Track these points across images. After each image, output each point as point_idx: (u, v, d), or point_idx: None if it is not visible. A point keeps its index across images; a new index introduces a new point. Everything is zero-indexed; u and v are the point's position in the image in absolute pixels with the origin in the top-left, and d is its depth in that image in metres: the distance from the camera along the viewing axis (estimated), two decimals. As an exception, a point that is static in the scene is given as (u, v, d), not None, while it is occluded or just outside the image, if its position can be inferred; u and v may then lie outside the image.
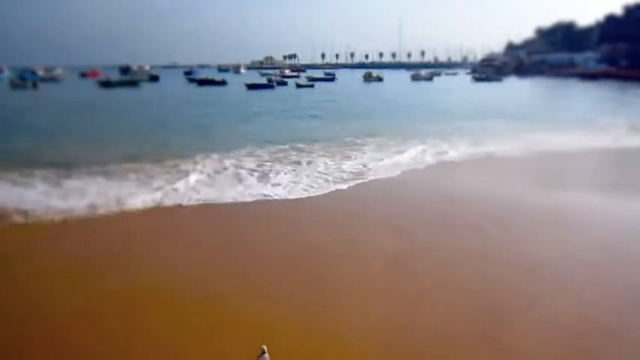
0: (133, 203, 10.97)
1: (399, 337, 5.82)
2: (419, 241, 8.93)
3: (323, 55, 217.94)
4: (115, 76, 78.34)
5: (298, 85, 64.65)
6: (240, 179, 13.29)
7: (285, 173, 13.90)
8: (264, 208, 11.01)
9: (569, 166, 16.22)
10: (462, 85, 75.06)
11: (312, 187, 12.54)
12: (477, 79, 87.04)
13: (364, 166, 14.92)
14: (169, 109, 36.39)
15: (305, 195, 11.87)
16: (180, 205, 10.99)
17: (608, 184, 13.07)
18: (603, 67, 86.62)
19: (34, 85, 63.37)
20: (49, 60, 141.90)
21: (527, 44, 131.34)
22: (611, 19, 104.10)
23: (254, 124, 26.12)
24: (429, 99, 49.06)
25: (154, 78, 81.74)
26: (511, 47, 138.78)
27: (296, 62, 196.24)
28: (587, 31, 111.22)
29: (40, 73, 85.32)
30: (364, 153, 17.10)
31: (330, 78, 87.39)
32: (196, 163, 15.03)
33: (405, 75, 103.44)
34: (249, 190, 12.13)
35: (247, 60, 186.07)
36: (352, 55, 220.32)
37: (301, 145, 18.39)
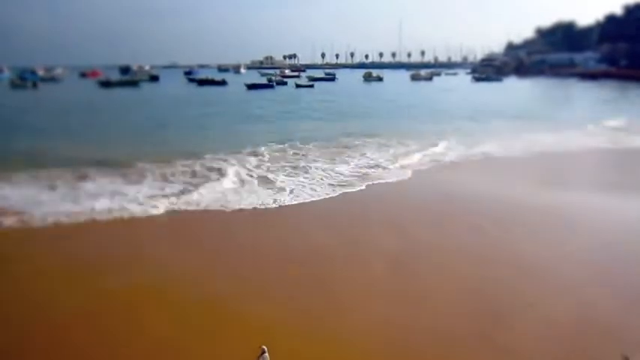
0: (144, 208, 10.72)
1: (400, 338, 5.82)
2: (420, 242, 8.93)
3: (323, 55, 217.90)
4: (115, 76, 78.29)
5: (298, 85, 64.62)
6: (244, 183, 12.95)
7: (287, 175, 13.78)
8: (268, 213, 10.69)
9: (569, 167, 16.23)
10: (461, 85, 75.07)
11: (315, 190, 12.24)
12: (477, 79, 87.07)
13: (368, 168, 14.81)
14: (170, 109, 36.39)
15: (308, 199, 11.59)
16: (186, 211, 10.74)
17: (609, 184, 13.08)
18: (603, 67, 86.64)
19: (34, 85, 63.35)
20: (49, 60, 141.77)
21: (527, 44, 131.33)
22: (611, 19, 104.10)
23: (254, 125, 26.10)
24: (428, 99, 49.07)
25: (154, 78, 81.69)
26: (511, 47, 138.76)
27: (296, 62, 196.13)
28: (587, 31, 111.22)
29: (40, 73, 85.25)
30: (364, 154, 16.95)
31: (331, 78, 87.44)
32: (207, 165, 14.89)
33: (404, 75, 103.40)
34: (251, 195, 11.78)
35: (247, 60, 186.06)
36: (352, 55, 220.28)
37: (301, 146, 18.36)
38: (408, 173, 14.17)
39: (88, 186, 12.36)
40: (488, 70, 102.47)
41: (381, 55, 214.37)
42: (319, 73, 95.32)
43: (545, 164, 16.53)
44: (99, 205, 10.75)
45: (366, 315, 6.31)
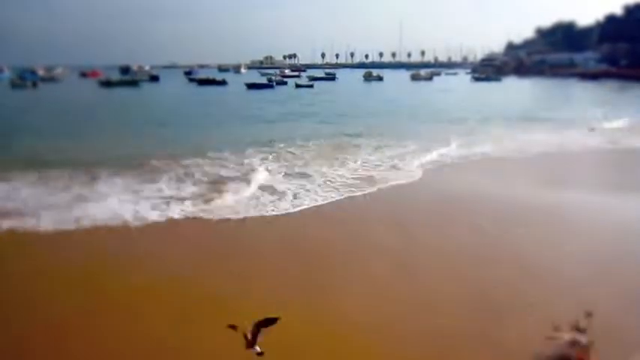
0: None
1: (400, 338, 5.82)
2: (420, 242, 8.93)
3: (323, 55, 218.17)
4: (115, 76, 78.25)
5: (298, 85, 64.69)
6: (247, 188, 12.39)
7: (288, 178, 13.44)
8: (271, 220, 10.24)
9: (569, 167, 16.24)
10: (461, 85, 75.15)
11: (318, 194, 11.88)
12: (477, 79, 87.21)
13: (369, 170, 14.64)
14: (171, 109, 36.47)
15: (312, 204, 11.19)
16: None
17: (609, 185, 13.08)
18: (603, 67, 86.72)
19: (34, 85, 63.36)
20: (49, 60, 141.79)
21: (527, 44, 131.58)
22: (611, 19, 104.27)
23: (254, 125, 26.14)
24: (427, 99, 49.20)
25: (154, 78, 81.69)
26: (511, 47, 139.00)
27: (296, 62, 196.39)
28: (587, 31, 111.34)
29: (40, 72, 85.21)
30: (365, 155, 16.79)
31: (331, 77, 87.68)
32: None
33: (404, 75, 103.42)
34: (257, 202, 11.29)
35: (247, 60, 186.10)
36: (352, 55, 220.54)
37: (302, 146, 18.35)
38: (411, 175, 14.02)
39: (101, 187, 12.17)
40: (488, 70, 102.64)
41: (381, 55, 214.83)
42: (319, 73, 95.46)
43: (545, 164, 16.54)
44: (110, 208, 10.40)
45: (366, 315, 6.31)
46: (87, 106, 39.11)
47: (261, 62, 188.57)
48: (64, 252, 8.44)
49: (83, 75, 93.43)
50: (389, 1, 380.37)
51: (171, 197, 11.34)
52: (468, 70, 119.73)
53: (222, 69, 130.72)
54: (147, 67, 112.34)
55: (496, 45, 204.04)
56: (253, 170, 14.31)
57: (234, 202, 11.14)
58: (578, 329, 4.91)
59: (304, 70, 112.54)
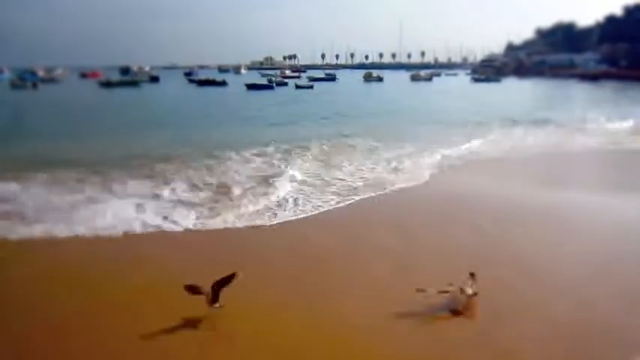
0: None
1: (401, 339, 5.83)
2: (420, 242, 8.94)
3: (323, 56, 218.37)
4: (115, 76, 78.38)
5: (298, 86, 64.76)
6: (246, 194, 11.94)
7: (290, 182, 13.07)
8: (270, 228, 9.87)
9: (569, 167, 16.25)
10: (460, 86, 75.23)
11: (321, 199, 11.57)
12: (476, 80, 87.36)
13: (370, 173, 14.41)
14: (171, 110, 36.47)
15: (315, 211, 10.83)
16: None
17: (609, 185, 13.08)
18: (603, 68, 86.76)
19: (34, 86, 63.42)
20: (49, 60, 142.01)
21: (527, 45, 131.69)
22: (611, 20, 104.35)
23: (254, 126, 26.17)
24: (426, 100, 49.26)
25: (154, 79, 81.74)
26: (511, 48, 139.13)
27: (296, 63, 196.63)
28: (587, 32, 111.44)
29: (40, 73, 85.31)
30: (365, 158, 16.53)
31: (331, 78, 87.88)
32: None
33: (404, 75, 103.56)
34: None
35: (247, 61, 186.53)
36: (352, 55, 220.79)
37: (303, 147, 18.31)
38: (412, 178, 13.82)
39: (105, 189, 11.97)
40: (488, 70, 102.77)
41: (381, 55, 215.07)
42: (319, 74, 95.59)
43: (545, 165, 16.56)
44: (114, 213, 10.12)
45: (366, 314, 6.32)
46: (88, 107, 39.15)
47: (261, 63, 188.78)
48: (66, 254, 8.43)
49: (83, 76, 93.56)
50: (389, 1, 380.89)
51: (177, 201, 11.18)
52: (468, 71, 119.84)
53: (222, 70, 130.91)
54: (147, 68, 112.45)
55: (496, 46, 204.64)
56: (256, 173, 14.14)
57: (237, 208, 10.85)
58: (464, 285, 6.36)
59: (304, 71, 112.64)
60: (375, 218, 10.46)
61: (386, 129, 23.68)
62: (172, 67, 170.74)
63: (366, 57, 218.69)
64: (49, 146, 18.22)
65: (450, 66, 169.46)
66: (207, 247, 8.87)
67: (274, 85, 67.02)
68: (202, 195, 11.79)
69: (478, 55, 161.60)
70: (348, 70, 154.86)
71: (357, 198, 11.77)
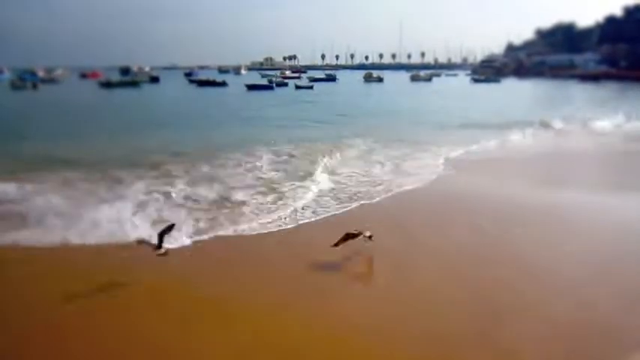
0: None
1: (401, 339, 5.83)
2: (419, 242, 8.94)
3: (323, 56, 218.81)
4: (115, 77, 78.43)
5: (298, 87, 64.82)
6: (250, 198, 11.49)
7: (293, 184, 12.72)
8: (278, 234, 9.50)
9: (569, 167, 16.25)
10: (459, 87, 75.30)
11: (327, 203, 11.25)
12: (476, 81, 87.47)
13: (370, 176, 14.07)
14: (172, 111, 36.43)
15: (322, 215, 10.50)
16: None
17: (609, 185, 13.08)
18: (603, 68, 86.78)
19: (34, 87, 63.41)
20: (49, 61, 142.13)
21: (527, 45, 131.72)
22: (610, 20, 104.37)
23: (254, 126, 26.18)
24: (426, 100, 49.34)
25: (155, 79, 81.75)
26: (511, 48, 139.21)
27: (296, 63, 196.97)
28: (587, 32, 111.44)
29: (41, 74, 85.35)
30: (365, 161, 16.24)
31: (331, 78, 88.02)
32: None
33: (404, 76, 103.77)
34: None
35: (247, 61, 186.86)
36: (352, 56, 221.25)
37: (305, 148, 18.30)
38: (412, 178, 13.69)
39: (116, 189, 11.81)
40: (487, 71, 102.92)
41: (381, 56, 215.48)
42: (319, 74, 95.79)
43: (545, 165, 16.57)
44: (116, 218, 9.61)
45: (366, 315, 6.32)
46: (88, 108, 39.15)
47: (261, 63, 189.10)
48: (66, 255, 8.42)
49: (83, 76, 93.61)
50: (389, 1, 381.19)
51: (178, 204, 10.94)
52: (468, 72, 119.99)
53: (222, 70, 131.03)
54: (147, 68, 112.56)
55: (496, 46, 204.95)
56: (257, 175, 13.96)
57: (240, 211, 10.57)
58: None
59: (304, 72, 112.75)
60: (376, 218, 10.44)
61: (386, 129, 23.69)
62: (172, 68, 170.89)
63: (366, 57, 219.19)
64: (49, 146, 18.19)
65: (450, 66, 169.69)
66: (207, 248, 8.86)
67: (274, 85, 67.10)
68: (203, 198, 11.45)
69: (478, 55, 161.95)
70: (348, 71, 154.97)
71: (357, 203, 11.40)
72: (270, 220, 10.09)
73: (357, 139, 20.30)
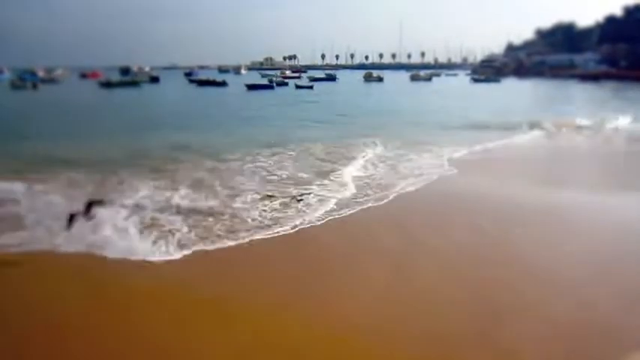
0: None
1: (401, 338, 5.83)
2: (419, 242, 8.94)
3: (323, 56, 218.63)
4: (115, 77, 78.32)
5: (298, 86, 64.81)
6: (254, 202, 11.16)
7: (296, 187, 12.38)
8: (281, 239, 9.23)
9: (569, 167, 16.26)
10: (459, 86, 75.25)
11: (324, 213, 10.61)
12: (475, 80, 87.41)
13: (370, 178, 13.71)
14: (173, 111, 36.30)
15: (328, 218, 10.19)
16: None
17: (610, 185, 13.09)
18: (603, 68, 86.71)
19: (34, 87, 63.31)
20: (49, 60, 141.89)
21: (527, 45, 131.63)
22: (610, 20, 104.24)
23: (255, 126, 26.17)
24: (425, 100, 49.31)
25: (155, 79, 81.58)
26: (511, 48, 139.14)
27: (296, 63, 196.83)
28: (587, 32, 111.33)
29: (41, 74, 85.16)
30: (366, 163, 15.88)
31: (332, 78, 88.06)
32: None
33: (404, 76, 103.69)
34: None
35: (247, 61, 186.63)
36: (352, 56, 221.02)
37: (307, 149, 18.26)
38: (412, 179, 13.60)
39: (116, 190, 11.62)
40: (487, 71, 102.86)
41: (381, 56, 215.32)
42: (320, 74, 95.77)
43: (545, 165, 16.57)
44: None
45: (366, 315, 6.32)
46: (88, 108, 39.13)
47: (261, 63, 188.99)
48: (64, 256, 8.42)
49: (83, 76, 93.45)
50: (389, 1, 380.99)
51: (180, 206, 10.66)
52: (468, 71, 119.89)
53: (222, 70, 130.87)
54: (147, 68, 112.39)
55: (496, 46, 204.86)
56: (258, 176, 13.73)
57: (242, 213, 10.33)
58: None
59: (305, 71, 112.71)
60: (376, 218, 10.45)
61: (387, 129, 23.65)
62: (172, 68, 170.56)
63: (366, 57, 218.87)
64: (49, 146, 18.16)
65: (450, 66, 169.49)
66: (206, 251, 8.84)
67: (274, 85, 67.09)
68: (204, 201, 11.17)
69: (478, 55, 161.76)
70: (348, 71, 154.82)
71: (358, 206, 11.05)
72: (275, 231, 9.44)
73: (358, 139, 20.31)
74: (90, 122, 28.02)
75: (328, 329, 5.96)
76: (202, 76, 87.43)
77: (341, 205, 10.99)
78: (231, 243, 8.75)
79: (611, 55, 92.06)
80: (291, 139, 20.00)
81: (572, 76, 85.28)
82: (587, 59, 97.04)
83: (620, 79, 72.24)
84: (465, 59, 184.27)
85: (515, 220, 9.98)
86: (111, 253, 8.10)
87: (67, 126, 25.63)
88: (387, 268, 7.73)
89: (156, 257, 8.05)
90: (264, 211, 10.53)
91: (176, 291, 6.99)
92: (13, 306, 6.68)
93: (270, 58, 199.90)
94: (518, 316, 6.23)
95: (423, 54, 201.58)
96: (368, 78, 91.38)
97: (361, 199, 11.45)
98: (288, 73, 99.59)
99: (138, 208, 10.37)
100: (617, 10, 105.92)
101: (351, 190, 12.22)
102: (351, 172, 14.37)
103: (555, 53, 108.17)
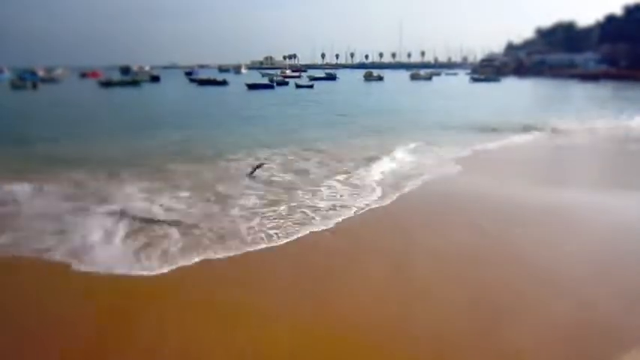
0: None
1: (401, 338, 5.84)
2: (419, 242, 8.94)
3: (323, 56, 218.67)
4: (116, 76, 78.32)
5: (298, 86, 64.77)
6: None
7: (300, 189, 12.17)
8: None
9: (569, 167, 16.26)
10: (459, 86, 75.20)
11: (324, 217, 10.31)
12: (475, 80, 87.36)
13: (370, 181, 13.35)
14: (173, 110, 36.27)
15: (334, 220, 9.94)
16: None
17: (610, 185, 13.09)
18: (603, 68, 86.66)
19: (34, 86, 63.23)
20: (49, 60, 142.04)
21: (527, 44, 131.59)
22: (611, 20, 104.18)
23: (255, 126, 26.14)
24: (425, 100, 49.26)
25: (155, 78, 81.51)
26: (511, 47, 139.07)
27: (296, 62, 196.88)
28: (587, 32, 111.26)
29: (41, 73, 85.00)
30: (366, 164, 15.46)
31: (332, 77, 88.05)
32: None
33: (404, 75, 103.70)
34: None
35: (247, 60, 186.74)
36: (352, 55, 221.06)
37: (308, 149, 18.28)
38: (411, 180, 13.47)
39: (117, 191, 11.51)
40: (487, 70, 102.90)
41: (381, 55, 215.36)
42: (320, 73, 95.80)
43: (545, 165, 16.57)
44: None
45: (366, 315, 6.33)
46: (88, 107, 39.14)
47: (262, 63, 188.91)
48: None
49: (83, 75, 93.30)
50: (389, 1, 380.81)
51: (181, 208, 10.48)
52: (468, 71, 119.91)
53: (222, 69, 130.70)
54: (147, 68, 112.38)
55: (496, 45, 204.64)
56: (259, 181, 13.28)
57: (245, 215, 10.15)
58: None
59: (305, 71, 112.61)
60: (376, 218, 10.46)
61: (387, 129, 23.67)
62: (172, 67, 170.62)
63: (366, 56, 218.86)
64: (49, 146, 18.18)
65: (450, 65, 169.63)
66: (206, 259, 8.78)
67: (275, 84, 67.04)
68: (203, 203, 10.95)
69: (478, 54, 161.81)
70: (348, 70, 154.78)
71: (359, 206, 10.95)
72: (277, 243, 8.89)
73: (358, 138, 20.33)
74: (90, 122, 28.02)
75: (328, 329, 5.97)
76: (203, 75, 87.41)
77: (340, 205, 11.03)
78: (233, 244, 8.71)
79: (611, 55, 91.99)
80: (291, 139, 19.99)
81: (573, 76, 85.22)
82: (587, 59, 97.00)
83: (620, 79, 72.21)
84: (465, 58, 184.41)
85: (515, 220, 10.00)
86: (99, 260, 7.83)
87: (67, 126, 25.61)
88: (387, 269, 7.75)
89: (151, 263, 7.81)
90: (264, 216, 10.09)
91: (176, 290, 7.01)
92: None
93: (271, 58, 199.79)
94: (518, 316, 6.24)
95: (423, 53, 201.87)
96: (368, 77, 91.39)
97: (361, 201, 11.44)
98: (288, 72, 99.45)
99: (130, 212, 10.04)
100: (618, 10, 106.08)
101: (351, 191, 12.25)
102: (351, 173, 14.33)
103: (555, 53, 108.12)
